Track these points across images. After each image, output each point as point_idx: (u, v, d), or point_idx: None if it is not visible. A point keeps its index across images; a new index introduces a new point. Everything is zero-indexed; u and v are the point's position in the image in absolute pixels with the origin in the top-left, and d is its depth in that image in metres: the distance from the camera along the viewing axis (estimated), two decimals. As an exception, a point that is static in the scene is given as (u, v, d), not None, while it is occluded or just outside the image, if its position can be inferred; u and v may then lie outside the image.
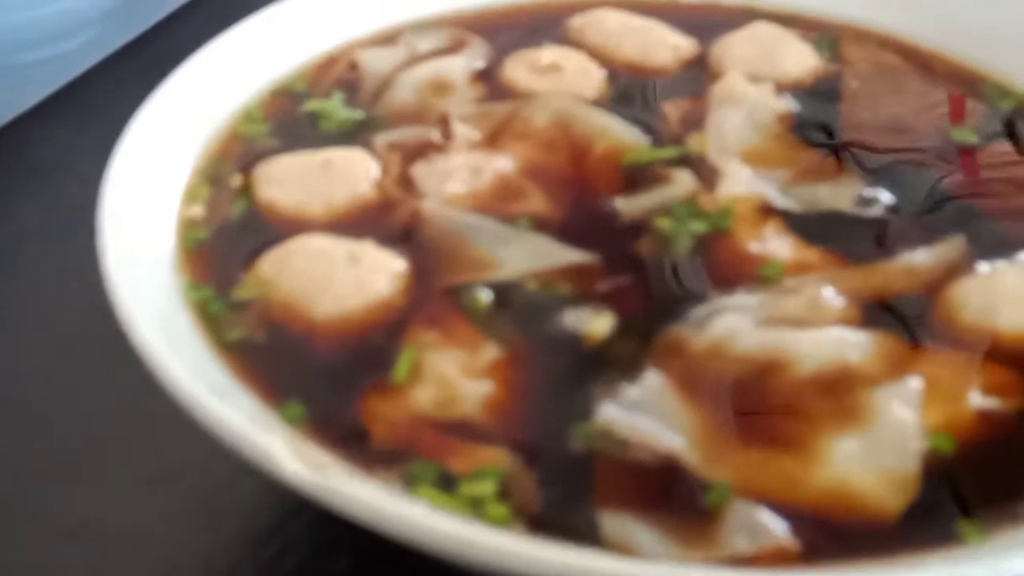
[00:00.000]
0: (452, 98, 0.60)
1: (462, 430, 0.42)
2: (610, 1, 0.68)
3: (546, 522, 0.39)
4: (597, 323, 0.47)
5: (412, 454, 0.41)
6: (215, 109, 0.57)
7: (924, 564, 0.38)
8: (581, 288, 0.48)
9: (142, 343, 0.40)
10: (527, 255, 0.50)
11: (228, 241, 0.51)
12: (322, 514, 0.37)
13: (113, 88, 0.75)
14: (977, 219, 0.53)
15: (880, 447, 0.41)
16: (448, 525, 0.35)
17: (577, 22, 0.66)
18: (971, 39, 0.63)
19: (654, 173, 0.55)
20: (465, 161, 0.55)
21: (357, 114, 0.59)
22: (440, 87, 0.61)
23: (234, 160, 0.55)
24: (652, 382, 0.43)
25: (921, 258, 0.50)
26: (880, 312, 0.47)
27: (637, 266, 0.50)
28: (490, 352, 0.45)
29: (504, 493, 0.40)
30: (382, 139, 0.57)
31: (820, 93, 0.62)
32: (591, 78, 0.62)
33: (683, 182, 0.54)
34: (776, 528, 0.39)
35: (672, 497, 0.40)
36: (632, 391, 0.43)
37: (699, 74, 0.63)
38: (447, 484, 0.40)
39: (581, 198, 0.54)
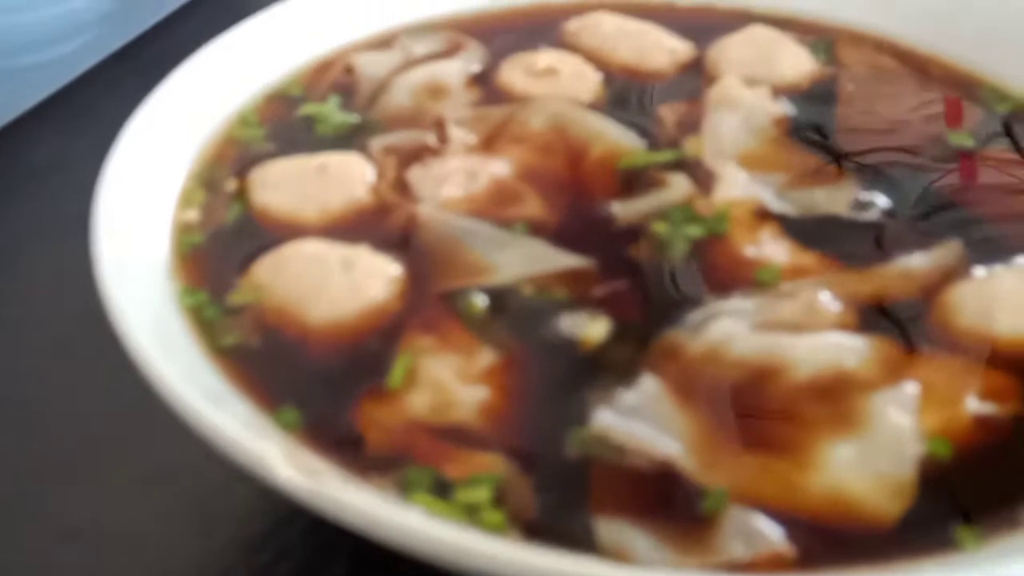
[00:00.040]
0: (448, 102, 0.60)
1: (457, 436, 0.42)
2: (606, 4, 0.68)
3: (542, 528, 0.39)
4: (593, 328, 0.46)
5: (407, 460, 0.41)
6: (210, 113, 0.57)
7: (921, 570, 0.38)
8: (577, 293, 0.48)
9: (136, 349, 0.40)
10: (523, 259, 0.50)
11: (223, 246, 0.51)
12: (317, 520, 0.37)
13: (110, 91, 0.75)
14: (974, 223, 0.53)
15: (876, 452, 0.41)
16: (443, 532, 0.35)
17: (573, 25, 0.66)
18: (967, 42, 0.63)
19: (650, 177, 0.55)
20: (461, 165, 0.55)
21: (353, 118, 0.59)
22: (436, 91, 0.61)
23: (229, 164, 0.55)
24: (648, 387, 0.43)
25: (917, 262, 0.50)
26: (876, 316, 0.47)
27: (633, 271, 0.50)
28: (486, 357, 0.45)
29: (500, 499, 0.40)
30: (378, 143, 0.56)
31: (816, 96, 0.62)
32: (587, 82, 0.62)
33: (679, 186, 0.54)
34: (772, 534, 0.39)
35: (668, 503, 0.40)
36: (628, 396, 0.43)
37: (695, 77, 0.63)
38: (442, 490, 0.40)
39: (577, 202, 0.53)
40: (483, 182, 0.54)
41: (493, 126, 0.58)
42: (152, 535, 0.48)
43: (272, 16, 0.61)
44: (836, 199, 0.54)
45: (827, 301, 0.47)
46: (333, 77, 0.62)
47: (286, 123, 0.59)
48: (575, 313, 0.47)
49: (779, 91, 0.61)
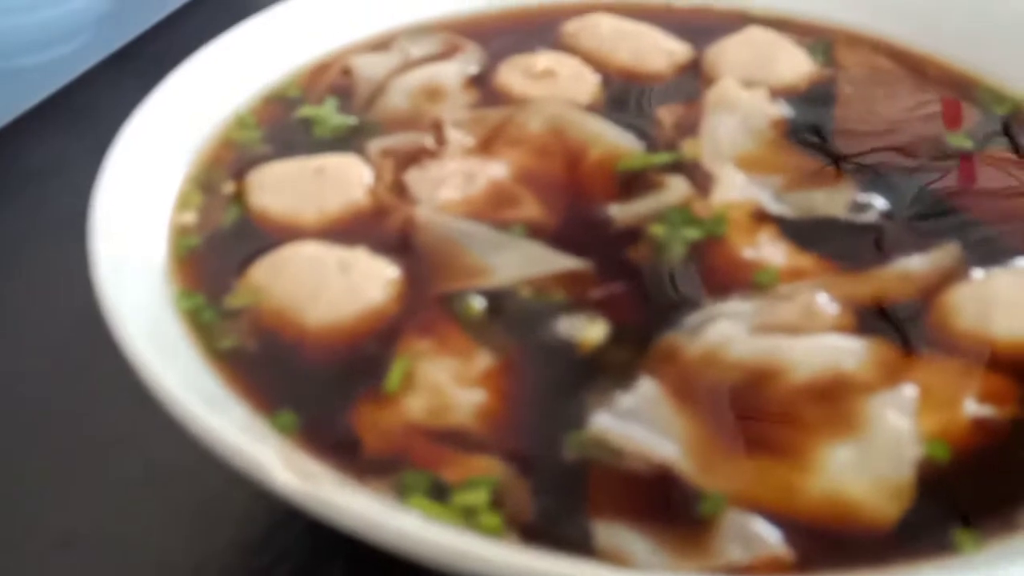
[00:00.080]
0: (446, 104, 0.60)
1: (455, 439, 0.42)
2: (604, 6, 0.68)
3: (539, 532, 0.39)
4: (591, 330, 0.46)
5: (404, 463, 0.41)
6: (207, 115, 0.57)
7: (919, 573, 0.38)
8: (575, 295, 0.48)
9: (133, 353, 0.40)
10: (520, 262, 0.50)
11: (220, 248, 0.50)
12: (315, 522, 0.37)
13: (109, 92, 0.75)
14: (972, 225, 0.53)
15: (875, 455, 0.41)
16: (440, 536, 0.35)
17: (571, 27, 0.66)
18: (964, 44, 0.63)
19: (648, 179, 0.55)
20: (459, 167, 0.55)
21: (350, 120, 0.59)
22: (434, 93, 0.61)
23: (227, 167, 0.55)
24: (646, 390, 0.43)
25: (916, 264, 0.50)
26: (875, 319, 0.47)
27: (631, 273, 0.50)
28: (483, 360, 0.45)
29: (497, 502, 0.40)
30: (375, 145, 0.56)
31: (814, 98, 0.62)
32: (585, 83, 0.62)
33: (677, 188, 0.54)
34: (770, 537, 0.39)
35: (666, 506, 0.40)
36: (626, 399, 0.43)
37: (693, 79, 0.63)
38: (440, 493, 0.40)
39: (575, 204, 0.53)
40: (481, 184, 0.54)
41: (491, 128, 0.57)
42: (150, 537, 0.48)
43: (269, 18, 0.61)
44: (834, 201, 0.54)
45: (825, 303, 0.47)
46: (331, 79, 0.62)
47: (283, 125, 0.58)
48: (573, 315, 0.47)
49: (777, 93, 0.60)
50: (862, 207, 0.53)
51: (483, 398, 0.44)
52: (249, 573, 0.47)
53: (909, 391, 0.43)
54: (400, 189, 0.54)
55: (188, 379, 0.42)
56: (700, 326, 0.46)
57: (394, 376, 0.44)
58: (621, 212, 0.53)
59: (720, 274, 0.50)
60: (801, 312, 0.47)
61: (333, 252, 0.49)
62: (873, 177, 0.55)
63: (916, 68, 0.64)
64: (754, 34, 0.65)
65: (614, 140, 0.57)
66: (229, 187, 0.54)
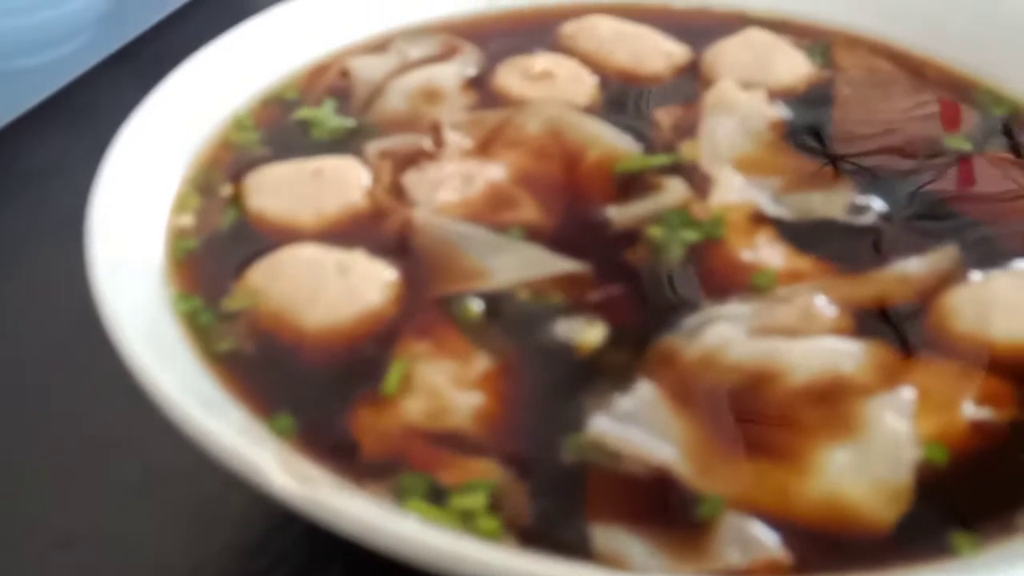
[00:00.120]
0: (444, 106, 0.60)
1: (453, 442, 0.42)
2: (602, 7, 0.67)
3: (537, 535, 0.39)
4: (589, 333, 0.46)
5: (402, 466, 0.41)
6: (205, 117, 0.57)
7: (917, 576, 0.38)
8: (573, 297, 0.48)
9: (130, 356, 0.40)
10: (519, 264, 0.49)
11: (218, 251, 0.50)
12: (312, 526, 0.37)
13: (109, 93, 0.75)
14: (970, 227, 0.53)
15: (873, 458, 0.41)
16: (438, 540, 0.35)
17: (569, 29, 0.66)
18: (962, 45, 0.63)
19: (646, 181, 0.55)
20: (457, 169, 0.55)
21: (348, 122, 0.59)
22: (432, 95, 0.61)
23: (224, 169, 0.55)
24: (644, 393, 0.43)
25: (914, 267, 0.50)
26: (873, 321, 0.47)
27: (629, 275, 0.50)
28: (481, 363, 0.45)
29: (495, 506, 0.40)
30: (373, 147, 0.56)
31: (813, 100, 0.61)
32: (583, 85, 0.62)
33: (675, 190, 0.54)
34: (768, 541, 0.39)
35: (664, 509, 0.40)
36: (624, 402, 0.43)
37: (692, 81, 0.63)
38: (438, 497, 0.40)
39: (573, 206, 0.53)
40: (479, 186, 0.54)
41: (489, 130, 0.57)
42: (148, 540, 0.48)
43: (267, 20, 0.61)
44: (832, 203, 0.54)
45: (823, 306, 0.47)
46: (329, 81, 0.62)
47: (281, 127, 0.58)
48: (571, 318, 0.47)
49: (775, 94, 0.60)
50: (860, 209, 0.53)
51: (481, 401, 0.43)
52: (247, 576, 0.47)
53: (907, 394, 0.43)
54: (398, 191, 0.54)
55: (185, 382, 0.42)
56: (698, 328, 0.46)
57: (392, 379, 0.44)
58: (619, 214, 0.53)
59: (718, 276, 0.50)
60: (799, 314, 0.46)
61: (331, 254, 0.49)
62: (871, 179, 0.55)
63: (914, 70, 0.64)
64: (753, 36, 0.65)
65: (612, 142, 0.57)
66: (227, 189, 0.54)
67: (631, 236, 0.51)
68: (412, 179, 0.54)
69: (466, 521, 0.39)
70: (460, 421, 0.43)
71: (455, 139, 0.56)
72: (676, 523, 0.39)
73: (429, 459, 0.41)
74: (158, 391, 0.39)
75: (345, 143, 0.57)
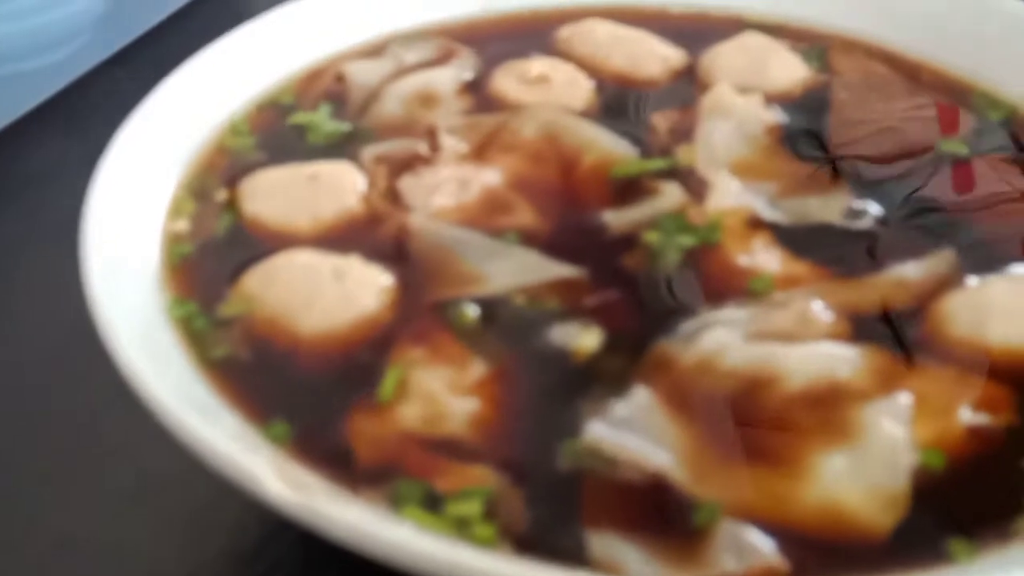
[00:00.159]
0: (440, 110, 0.60)
1: (449, 448, 0.42)
2: (599, 11, 0.67)
3: (533, 542, 0.39)
4: (585, 338, 0.46)
5: (398, 473, 0.41)
6: (201, 122, 0.57)
7: (914, 583, 0.38)
8: (569, 303, 0.48)
9: (124, 362, 0.40)
10: (514, 269, 0.49)
11: (213, 256, 0.50)
12: (308, 532, 0.37)
13: (106, 96, 0.75)
14: (967, 232, 0.53)
15: (870, 464, 0.41)
16: (433, 547, 0.35)
17: (566, 32, 0.66)
18: (959, 48, 0.63)
19: (643, 186, 0.54)
20: (453, 174, 0.54)
21: (344, 127, 0.59)
22: (427, 99, 0.61)
23: (220, 174, 0.55)
24: (640, 398, 0.43)
25: (911, 271, 0.49)
26: (869, 326, 0.47)
27: (625, 280, 0.49)
28: (477, 369, 0.45)
29: (490, 513, 0.39)
30: (369, 152, 0.56)
31: (809, 104, 0.61)
32: (580, 89, 0.62)
33: (672, 195, 0.54)
34: (764, 547, 0.38)
35: (660, 516, 0.40)
36: (620, 408, 0.43)
37: (688, 85, 0.63)
38: (433, 503, 0.40)
39: (569, 211, 0.53)
40: (475, 191, 0.54)
41: (485, 134, 0.57)
42: (144, 546, 0.48)
43: (263, 24, 0.61)
44: (829, 207, 0.53)
45: (820, 311, 0.47)
46: (324, 85, 0.62)
47: (277, 132, 0.58)
48: (567, 323, 0.47)
49: (772, 98, 0.60)
50: (857, 213, 0.53)
51: (477, 407, 0.43)
52: (243, 582, 0.47)
53: (904, 399, 0.43)
54: (394, 196, 0.54)
55: (180, 388, 0.42)
56: (695, 334, 0.46)
57: (388, 385, 0.44)
58: (615, 219, 0.53)
59: (715, 281, 0.49)
60: (796, 320, 0.46)
61: (327, 260, 0.49)
62: (868, 183, 0.55)
63: (911, 73, 0.64)
64: (749, 40, 0.64)
65: (608, 146, 0.57)
66: (222, 194, 0.54)
67: (627, 241, 0.51)
68: (408, 184, 0.54)
69: (461, 528, 0.39)
70: (456, 427, 0.43)
71: (451, 144, 0.56)
72: (672, 530, 0.39)
73: (425, 466, 0.41)
74: (152, 397, 0.39)
75: (341, 148, 0.57)
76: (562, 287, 0.49)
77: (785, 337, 0.46)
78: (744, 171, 0.55)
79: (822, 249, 0.51)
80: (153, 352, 0.43)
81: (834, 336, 0.46)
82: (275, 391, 0.44)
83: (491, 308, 0.48)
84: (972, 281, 0.49)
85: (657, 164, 0.56)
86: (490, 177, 0.55)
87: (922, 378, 0.44)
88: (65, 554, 0.48)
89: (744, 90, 0.60)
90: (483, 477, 0.41)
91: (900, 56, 0.65)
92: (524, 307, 0.48)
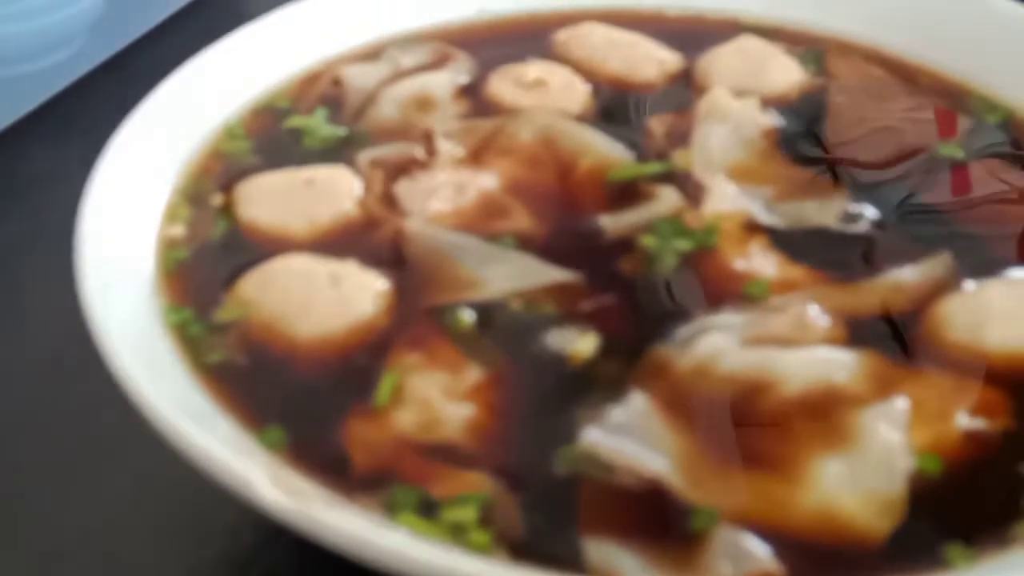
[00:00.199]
0: (436, 114, 0.60)
1: (444, 454, 0.42)
2: (595, 14, 0.67)
3: (529, 548, 0.39)
4: (582, 343, 0.46)
5: (394, 479, 0.41)
6: (196, 126, 0.56)
7: (911, 589, 0.38)
8: (565, 307, 0.48)
9: (119, 368, 0.40)
10: (511, 274, 0.49)
11: (209, 261, 0.50)
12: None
13: (102, 100, 0.75)
14: (964, 235, 0.53)
15: (866, 469, 0.41)
16: (428, 554, 0.35)
17: (562, 36, 0.66)
18: (956, 52, 0.63)
19: (639, 189, 0.54)
20: (449, 178, 0.54)
21: (340, 131, 0.59)
22: (424, 103, 0.61)
23: (215, 178, 0.55)
24: (637, 404, 0.43)
25: (907, 275, 0.49)
26: (866, 330, 0.47)
27: (622, 285, 0.49)
28: (473, 374, 0.45)
29: (486, 519, 0.39)
30: (365, 156, 0.56)
31: (806, 107, 0.61)
32: (576, 93, 0.62)
33: (668, 199, 0.54)
34: (761, 553, 0.38)
35: (656, 522, 0.40)
36: (616, 413, 0.43)
37: (685, 88, 0.63)
38: (429, 510, 0.40)
39: (565, 215, 0.53)
40: (471, 195, 0.54)
41: (481, 138, 0.57)
42: (141, 552, 0.48)
43: (259, 28, 0.61)
44: (825, 211, 0.53)
45: (816, 315, 0.47)
46: (320, 89, 0.62)
47: (273, 136, 0.58)
48: (563, 328, 0.47)
49: (768, 102, 0.60)
50: (853, 217, 0.53)
51: (473, 412, 0.43)
52: (240, 587, 0.47)
53: (901, 404, 0.43)
54: (390, 200, 0.53)
55: (175, 395, 0.42)
56: (691, 338, 0.46)
57: (383, 391, 0.44)
58: (612, 223, 0.52)
59: (711, 285, 0.49)
60: (792, 324, 0.46)
61: (323, 265, 0.49)
62: (864, 187, 0.55)
63: (908, 77, 0.64)
64: (745, 43, 0.64)
65: (605, 150, 0.57)
66: (218, 199, 0.54)
67: (624, 245, 0.51)
68: (404, 188, 0.54)
69: (457, 534, 0.39)
70: (451, 433, 0.43)
71: (447, 148, 0.56)
72: (668, 536, 0.39)
73: (420, 472, 0.41)
74: (147, 403, 0.39)
75: (337, 152, 0.57)
76: (558, 292, 0.49)
77: (782, 342, 0.46)
78: (740, 175, 0.55)
79: (818, 253, 0.51)
80: (148, 358, 0.42)
81: (831, 340, 0.46)
82: (271, 397, 0.44)
83: (487, 313, 0.48)
84: (969, 285, 0.49)
85: (653, 168, 0.56)
86: (486, 181, 0.54)
87: (919, 383, 0.44)
88: (61, 560, 0.48)
89: (740, 94, 0.60)
90: (479, 483, 0.41)
91: (897, 59, 0.65)
92: (520, 312, 0.48)
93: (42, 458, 0.52)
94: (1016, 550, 0.39)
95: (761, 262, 0.50)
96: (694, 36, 0.66)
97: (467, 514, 0.39)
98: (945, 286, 0.49)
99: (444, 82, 0.62)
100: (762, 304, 0.48)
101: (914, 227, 0.53)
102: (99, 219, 0.47)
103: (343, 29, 0.64)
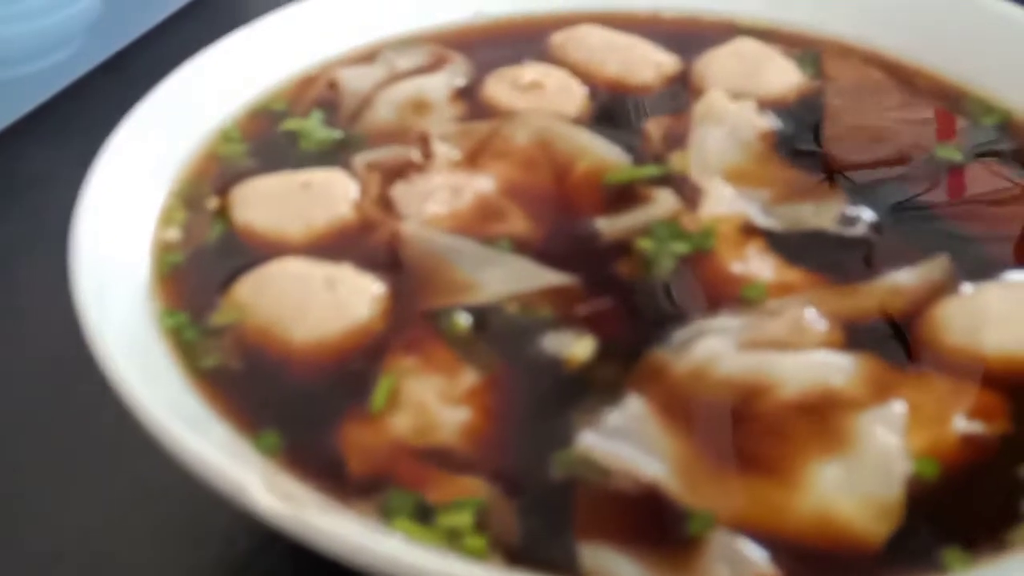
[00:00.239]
0: (432, 116, 0.60)
1: (440, 458, 0.42)
2: (591, 17, 0.67)
3: (525, 554, 0.38)
4: (578, 347, 0.46)
5: (389, 484, 0.41)
6: (192, 129, 0.56)
7: (908, 593, 0.37)
8: (562, 311, 0.48)
9: (113, 372, 0.40)
10: (507, 277, 0.49)
11: (204, 265, 0.50)
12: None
13: (99, 102, 0.75)
14: (961, 238, 0.52)
15: (864, 473, 0.41)
16: (423, 559, 0.35)
17: (559, 38, 0.66)
18: (953, 54, 0.63)
19: (636, 192, 0.54)
20: (445, 181, 0.54)
21: (336, 133, 0.59)
22: (420, 105, 0.60)
23: (211, 181, 0.55)
24: (633, 408, 0.43)
25: (905, 278, 0.49)
26: (863, 334, 0.47)
27: (618, 288, 0.49)
28: (469, 378, 0.45)
29: (482, 524, 0.39)
30: (361, 159, 0.56)
31: (803, 110, 0.61)
32: (573, 95, 0.61)
33: (665, 202, 0.53)
34: (757, 558, 0.38)
35: (653, 527, 0.40)
36: (613, 417, 0.43)
37: (681, 91, 0.63)
38: (424, 515, 0.40)
39: (562, 218, 0.53)
40: (467, 198, 0.53)
41: (477, 141, 0.57)
42: (138, 555, 0.48)
43: (255, 30, 0.61)
44: (822, 214, 0.53)
45: (813, 319, 0.47)
46: (316, 92, 0.61)
47: (269, 139, 0.58)
48: (560, 332, 0.47)
49: (765, 104, 0.60)
50: (851, 220, 0.53)
51: (468, 416, 0.43)
52: (237, 590, 0.47)
53: (898, 407, 0.43)
54: (386, 204, 0.53)
55: (170, 400, 0.41)
56: (688, 342, 0.46)
57: (379, 395, 0.44)
58: (608, 226, 0.52)
59: (708, 289, 0.49)
60: (789, 328, 0.46)
61: (319, 268, 0.48)
62: (861, 189, 0.55)
63: (905, 79, 0.64)
64: (742, 45, 0.64)
65: (601, 153, 0.57)
66: (213, 202, 0.53)
67: (620, 248, 0.51)
68: (400, 191, 0.54)
69: (452, 540, 0.39)
70: (447, 437, 0.42)
71: (443, 150, 0.56)
72: (665, 540, 0.39)
73: (416, 476, 0.41)
74: (141, 408, 0.39)
75: (333, 155, 0.57)
76: (555, 295, 0.48)
77: (779, 345, 0.46)
78: (737, 177, 0.55)
79: (816, 256, 0.51)
80: (143, 362, 0.42)
81: (828, 344, 0.46)
82: (266, 401, 0.44)
83: (483, 316, 0.47)
84: (967, 288, 0.49)
85: (650, 171, 0.56)
86: (483, 184, 0.54)
87: (916, 386, 0.44)
88: (59, 563, 0.48)
89: (737, 96, 0.60)
90: (474, 488, 0.40)
91: (894, 61, 0.65)
92: (517, 315, 0.48)
93: (41, 458, 0.52)
94: (1013, 554, 0.39)
95: (758, 265, 0.50)
96: (691, 38, 0.66)
97: (463, 519, 0.39)
98: (942, 289, 0.49)
99: (440, 84, 0.62)
100: (759, 307, 0.48)
101: (911, 230, 0.53)
102: (94, 222, 0.47)
103: (339, 31, 0.64)
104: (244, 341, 0.46)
